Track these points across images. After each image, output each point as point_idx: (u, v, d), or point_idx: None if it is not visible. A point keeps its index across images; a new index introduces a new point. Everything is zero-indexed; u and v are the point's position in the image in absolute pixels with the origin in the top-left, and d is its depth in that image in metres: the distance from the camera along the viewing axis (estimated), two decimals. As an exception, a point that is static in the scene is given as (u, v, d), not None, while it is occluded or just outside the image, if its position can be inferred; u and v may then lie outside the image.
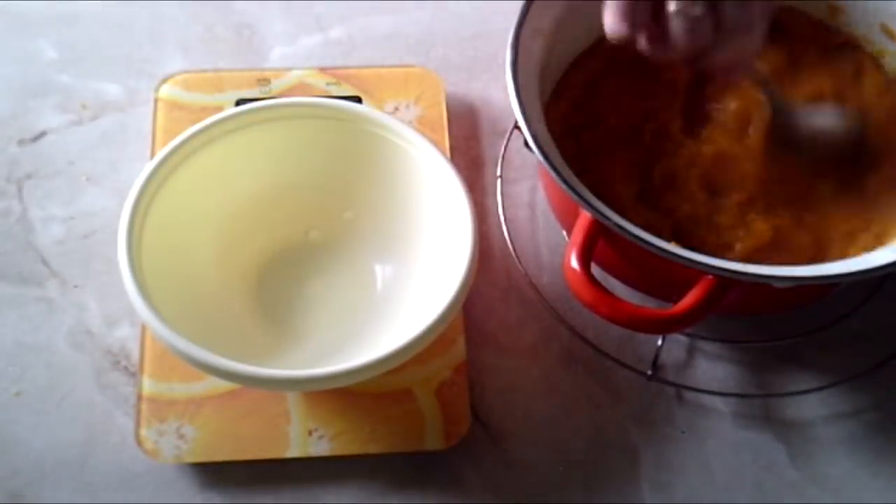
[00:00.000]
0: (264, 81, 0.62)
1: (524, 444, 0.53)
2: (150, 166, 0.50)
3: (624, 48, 0.59)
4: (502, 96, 0.61)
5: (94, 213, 0.59)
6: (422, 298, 0.52)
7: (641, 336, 0.56)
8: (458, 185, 0.50)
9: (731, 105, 0.55)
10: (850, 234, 0.52)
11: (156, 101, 0.61)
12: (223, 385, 0.52)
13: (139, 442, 0.50)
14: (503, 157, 0.61)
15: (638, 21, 0.45)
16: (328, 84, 0.62)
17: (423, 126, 0.60)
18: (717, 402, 0.54)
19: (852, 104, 0.56)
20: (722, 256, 0.46)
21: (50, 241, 0.58)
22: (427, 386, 0.53)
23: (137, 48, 0.66)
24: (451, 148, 0.61)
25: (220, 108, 0.60)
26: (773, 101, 0.53)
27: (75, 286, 0.56)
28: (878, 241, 0.50)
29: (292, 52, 0.66)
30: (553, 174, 0.46)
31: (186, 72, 0.63)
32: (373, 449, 0.51)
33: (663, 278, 0.51)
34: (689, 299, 0.46)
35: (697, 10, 0.44)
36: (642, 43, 0.46)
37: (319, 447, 0.51)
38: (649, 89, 0.57)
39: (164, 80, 0.62)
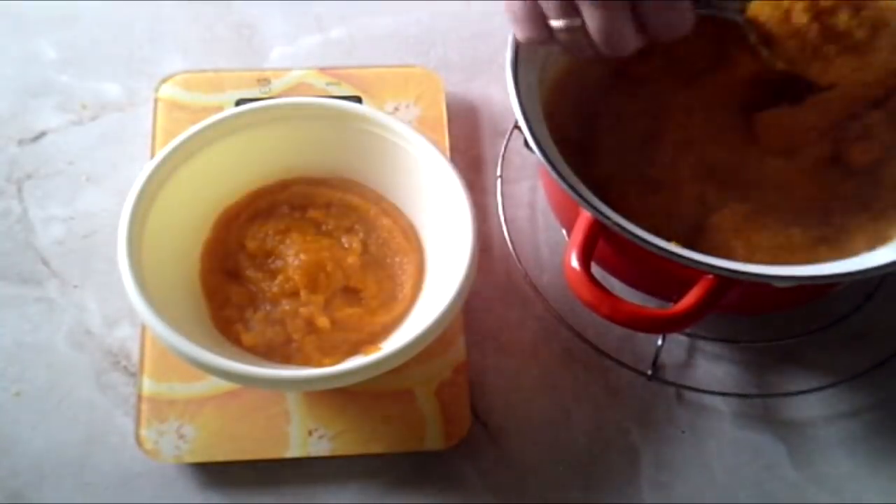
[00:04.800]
0: (264, 81, 0.62)
1: (524, 444, 0.53)
2: (150, 166, 0.50)
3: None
4: (502, 96, 0.61)
5: (94, 213, 0.59)
6: (422, 298, 0.52)
7: (641, 336, 0.56)
8: (458, 185, 0.50)
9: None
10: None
11: (156, 101, 0.61)
12: (223, 385, 0.52)
13: (139, 442, 0.50)
14: (503, 157, 0.61)
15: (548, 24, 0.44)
16: (328, 84, 0.62)
17: (423, 126, 0.60)
18: (717, 402, 0.54)
19: None
20: (723, 257, 0.46)
21: (50, 241, 0.58)
22: (427, 386, 0.53)
23: (137, 48, 0.66)
24: (451, 148, 0.61)
25: (220, 108, 0.60)
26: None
27: (75, 286, 0.56)
28: (878, 241, 0.50)
29: (292, 52, 0.66)
30: (553, 174, 0.46)
31: (186, 72, 0.62)
32: (373, 449, 0.51)
33: (663, 278, 0.51)
34: (689, 299, 0.46)
35: (577, 21, 0.43)
36: (557, 46, 0.45)
37: (319, 447, 0.51)
38: (649, 89, 0.56)
39: (164, 80, 0.62)
